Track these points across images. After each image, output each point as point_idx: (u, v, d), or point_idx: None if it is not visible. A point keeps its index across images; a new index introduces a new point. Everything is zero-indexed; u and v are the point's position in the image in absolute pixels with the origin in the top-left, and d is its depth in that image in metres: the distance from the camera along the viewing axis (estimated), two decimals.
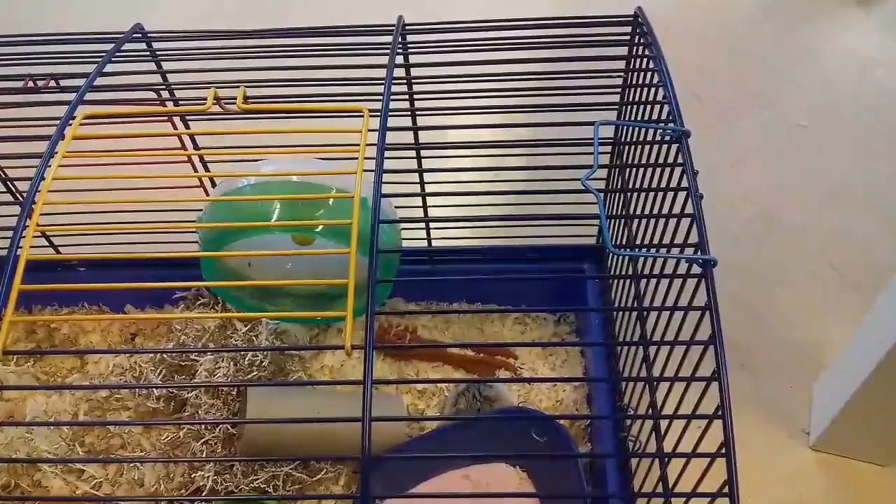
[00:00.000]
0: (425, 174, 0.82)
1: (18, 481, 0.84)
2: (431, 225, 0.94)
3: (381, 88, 0.66)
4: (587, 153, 0.60)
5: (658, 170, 0.66)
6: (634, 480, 0.76)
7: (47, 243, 0.97)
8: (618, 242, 0.87)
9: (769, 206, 1.19)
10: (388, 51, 0.71)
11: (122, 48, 0.75)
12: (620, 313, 0.87)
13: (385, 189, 0.59)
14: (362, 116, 0.63)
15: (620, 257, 0.87)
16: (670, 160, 0.63)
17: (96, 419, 0.90)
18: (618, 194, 0.85)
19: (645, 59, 0.72)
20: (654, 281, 0.67)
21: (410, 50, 0.77)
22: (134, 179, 0.63)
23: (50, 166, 0.59)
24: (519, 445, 0.80)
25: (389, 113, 0.64)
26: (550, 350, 0.97)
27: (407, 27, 0.77)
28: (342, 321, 0.52)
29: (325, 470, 0.83)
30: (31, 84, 0.74)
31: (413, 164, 0.80)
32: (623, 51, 0.76)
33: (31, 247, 0.54)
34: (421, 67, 0.76)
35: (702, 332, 0.55)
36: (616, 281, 0.91)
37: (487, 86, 0.72)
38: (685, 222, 0.58)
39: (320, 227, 0.76)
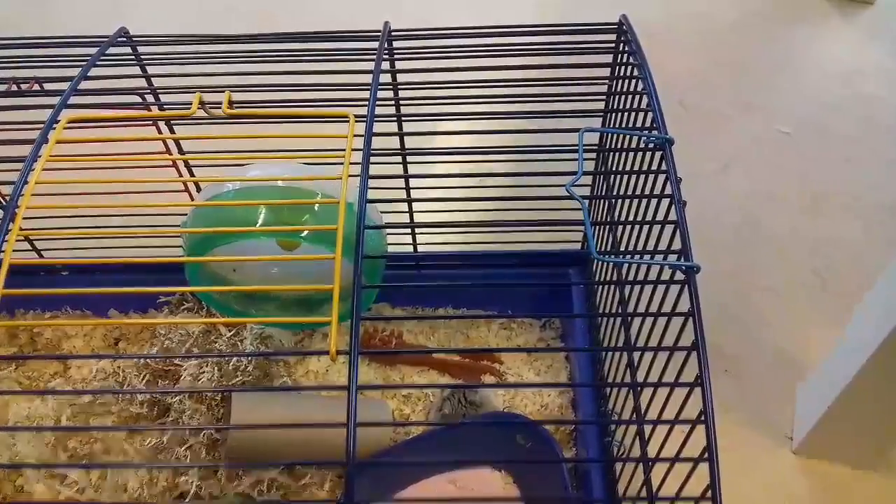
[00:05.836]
0: (411, 179, 0.82)
1: (0, 486, 0.83)
2: (417, 230, 0.95)
3: (367, 94, 0.66)
4: (572, 160, 0.60)
5: (642, 176, 0.66)
6: (619, 485, 0.76)
7: (30, 247, 0.96)
8: (602, 248, 0.87)
9: (753, 212, 1.20)
10: (375, 56, 0.72)
11: (107, 52, 0.75)
12: (605, 318, 0.88)
13: (371, 194, 0.59)
14: (348, 122, 0.63)
15: (605, 263, 0.87)
16: (654, 167, 0.63)
17: (79, 424, 0.89)
18: (602, 201, 0.86)
19: (629, 67, 0.72)
20: (638, 286, 0.67)
21: (396, 56, 0.77)
22: (118, 184, 0.63)
23: (34, 170, 0.58)
24: (504, 450, 0.80)
25: (375, 118, 0.64)
26: (536, 355, 0.97)
27: (393, 33, 0.77)
28: (327, 326, 0.52)
29: (309, 475, 0.83)
30: (14, 87, 0.74)
31: (399, 170, 0.80)
32: (608, 58, 0.77)
33: (14, 251, 0.54)
34: (407, 73, 0.76)
35: (685, 337, 0.56)
36: (601, 286, 0.91)
37: (473, 92, 0.73)
38: (669, 229, 0.59)
39: (306, 231, 0.76)
